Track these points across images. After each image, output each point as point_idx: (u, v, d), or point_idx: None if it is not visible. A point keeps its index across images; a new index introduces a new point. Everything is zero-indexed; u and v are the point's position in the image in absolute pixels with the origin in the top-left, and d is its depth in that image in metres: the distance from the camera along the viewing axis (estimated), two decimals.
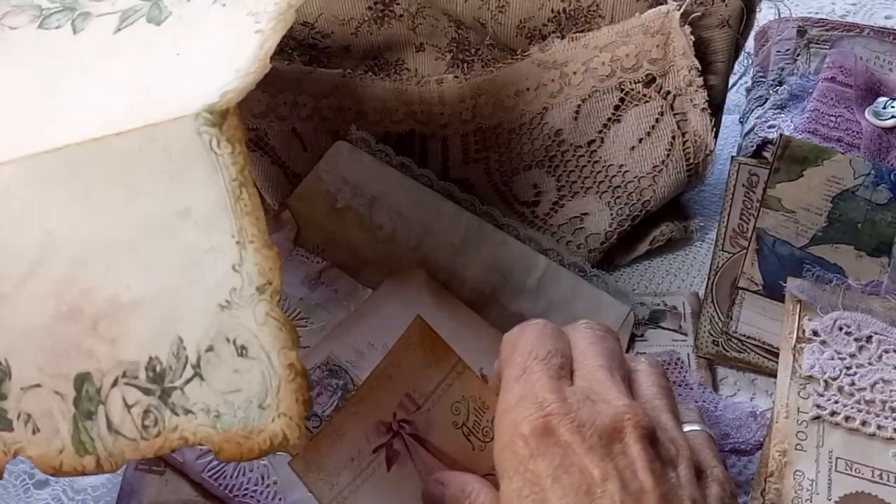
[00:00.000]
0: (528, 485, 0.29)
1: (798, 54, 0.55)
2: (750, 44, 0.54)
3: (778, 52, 0.56)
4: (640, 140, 0.49)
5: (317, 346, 0.43)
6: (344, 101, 0.50)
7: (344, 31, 0.51)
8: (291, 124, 0.50)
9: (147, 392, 0.31)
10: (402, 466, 0.34)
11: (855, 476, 0.39)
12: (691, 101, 0.49)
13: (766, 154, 0.50)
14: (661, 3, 0.48)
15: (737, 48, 0.50)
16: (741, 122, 0.56)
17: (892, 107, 0.50)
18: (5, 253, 0.32)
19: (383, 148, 0.48)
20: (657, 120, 0.49)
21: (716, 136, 0.50)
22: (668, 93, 0.49)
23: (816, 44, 0.55)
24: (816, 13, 0.64)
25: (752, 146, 0.51)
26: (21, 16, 0.38)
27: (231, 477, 0.42)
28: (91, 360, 0.31)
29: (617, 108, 0.49)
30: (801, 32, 0.56)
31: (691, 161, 0.50)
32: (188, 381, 0.30)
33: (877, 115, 0.50)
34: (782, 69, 0.55)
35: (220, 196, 0.29)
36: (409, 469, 0.34)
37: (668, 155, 0.49)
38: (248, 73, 0.30)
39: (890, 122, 0.50)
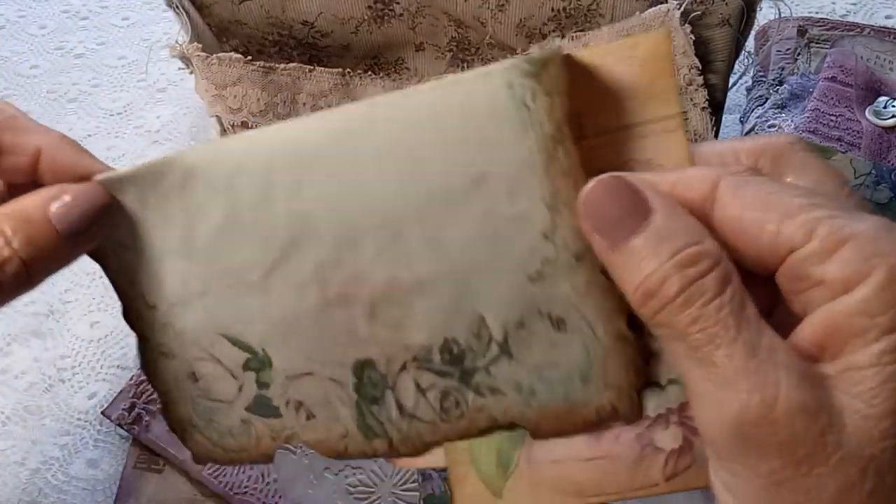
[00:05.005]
0: None
1: (798, 54, 0.55)
2: (750, 43, 0.54)
3: (778, 51, 0.56)
4: None
5: None
6: (344, 100, 0.50)
7: (344, 31, 0.51)
8: None
9: (444, 375, 0.28)
10: None
11: None
12: (691, 100, 0.48)
13: None
14: (662, 2, 0.48)
15: (737, 47, 0.50)
16: (741, 122, 0.56)
17: (893, 106, 0.50)
18: (246, 239, 0.28)
19: None
20: None
21: (716, 136, 0.50)
22: None
23: (817, 43, 0.55)
24: (817, 13, 0.64)
25: None
26: None
27: (231, 475, 0.42)
28: (371, 347, 0.28)
29: None
30: (802, 32, 0.56)
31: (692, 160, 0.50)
32: (494, 360, 0.28)
33: (877, 114, 0.50)
34: (783, 69, 0.55)
35: (528, 157, 0.26)
36: None
37: None
38: None
39: (890, 122, 0.50)
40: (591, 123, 0.26)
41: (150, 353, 0.31)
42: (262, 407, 0.30)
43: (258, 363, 0.30)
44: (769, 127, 0.51)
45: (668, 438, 0.27)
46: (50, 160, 0.29)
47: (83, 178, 0.28)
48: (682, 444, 0.27)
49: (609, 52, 0.26)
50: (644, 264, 0.22)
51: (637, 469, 0.28)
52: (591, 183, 0.24)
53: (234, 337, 0.30)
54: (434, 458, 0.29)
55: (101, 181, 0.28)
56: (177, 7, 0.47)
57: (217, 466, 0.42)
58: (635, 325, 0.26)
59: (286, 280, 0.29)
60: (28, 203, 0.27)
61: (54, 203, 0.27)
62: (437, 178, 0.27)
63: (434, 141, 0.26)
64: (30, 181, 0.30)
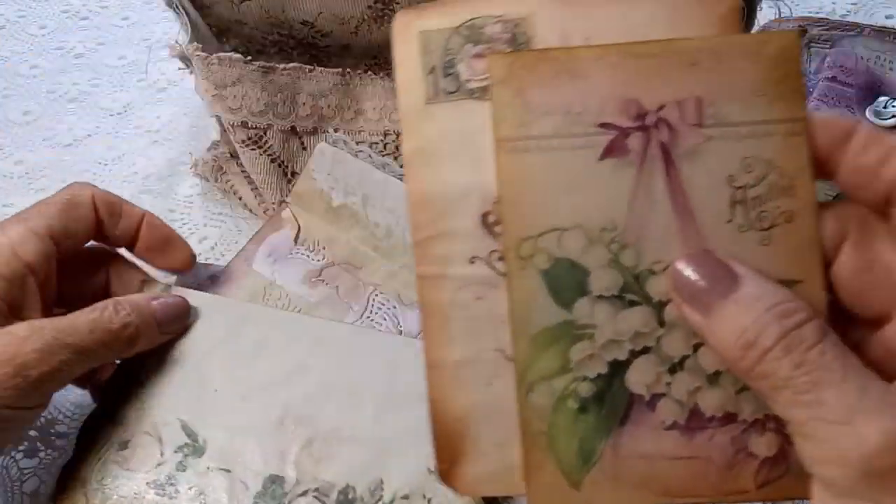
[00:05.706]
0: None
1: None
2: None
3: None
4: None
5: None
6: (343, 100, 0.50)
7: (344, 30, 0.51)
8: (291, 123, 0.50)
9: None
10: (618, 169, 0.26)
11: None
12: None
13: None
14: None
15: None
16: None
17: (893, 106, 0.50)
18: (268, 363, 0.38)
19: (363, 148, 0.48)
20: None
21: None
22: None
23: (817, 43, 0.55)
24: (817, 12, 0.64)
25: None
26: None
27: None
28: (289, 469, 0.36)
29: None
30: (802, 32, 0.56)
31: None
32: None
33: (877, 114, 0.50)
34: None
35: None
36: (625, 175, 0.26)
37: None
38: None
39: (890, 122, 0.50)
40: (711, 112, 0.26)
41: (103, 419, 0.36)
42: (167, 485, 0.36)
43: (191, 451, 0.36)
44: None
45: (762, 445, 0.27)
46: (150, 226, 0.40)
47: (170, 243, 0.41)
48: (776, 452, 0.27)
49: (736, 43, 0.26)
50: (741, 319, 0.23)
51: (728, 473, 0.27)
52: (680, 259, 0.25)
53: (188, 425, 0.37)
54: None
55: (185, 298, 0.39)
56: (177, 7, 0.47)
57: None
58: None
59: (263, 402, 0.37)
60: (140, 297, 0.38)
61: (155, 301, 0.38)
62: (405, 382, 0.37)
63: (410, 364, 0.34)
64: (130, 244, 0.40)
